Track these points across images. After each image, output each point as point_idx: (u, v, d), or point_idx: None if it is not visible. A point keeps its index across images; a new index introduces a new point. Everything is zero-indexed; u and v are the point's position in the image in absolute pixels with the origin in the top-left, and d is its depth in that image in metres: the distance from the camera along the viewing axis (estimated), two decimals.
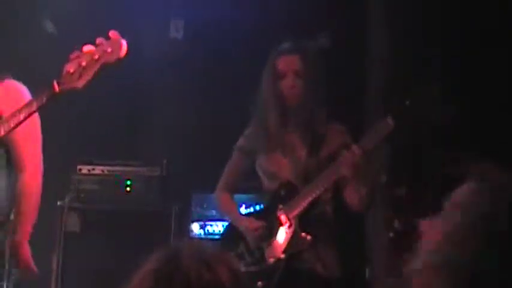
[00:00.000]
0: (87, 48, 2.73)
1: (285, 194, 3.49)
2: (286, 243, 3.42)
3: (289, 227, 3.42)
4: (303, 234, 3.42)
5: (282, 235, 3.44)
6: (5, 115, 2.81)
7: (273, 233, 3.46)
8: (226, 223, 4.71)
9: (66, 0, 4.89)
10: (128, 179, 4.66)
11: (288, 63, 3.49)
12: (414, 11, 4.40)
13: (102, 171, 4.64)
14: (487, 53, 4.18)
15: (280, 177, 3.52)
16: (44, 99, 2.73)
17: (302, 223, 3.43)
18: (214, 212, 4.72)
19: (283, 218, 3.45)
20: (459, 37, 4.23)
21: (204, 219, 4.76)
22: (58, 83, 2.73)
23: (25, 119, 2.76)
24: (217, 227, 4.73)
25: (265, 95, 3.52)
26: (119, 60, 2.72)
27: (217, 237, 4.62)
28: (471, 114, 4.03)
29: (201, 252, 1.38)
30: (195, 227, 4.76)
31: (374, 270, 4.37)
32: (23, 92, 2.98)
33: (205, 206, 4.78)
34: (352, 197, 3.42)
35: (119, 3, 4.90)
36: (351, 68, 4.71)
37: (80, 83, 2.74)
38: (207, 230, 4.77)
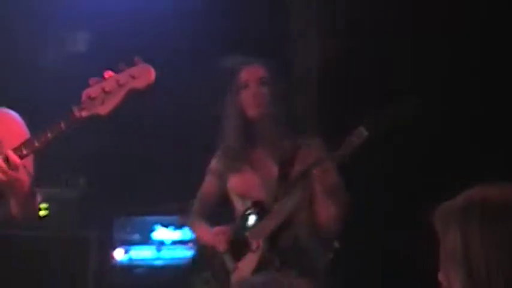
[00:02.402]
0: (109, 73, 2.63)
1: (254, 215, 3.36)
2: (253, 267, 3.29)
3: (257, 250, 3.30)
4: (271, 259, 3.29)
5: (249, 259, 3.31)
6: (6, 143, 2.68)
7: (240, 256, 3.34)
8: (152, 247, 4.51)
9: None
10: (42, 202, 4.26)
11: (251, 72, 3.41)
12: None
13: None
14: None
15: (251, 197, 3.40)
16: (63, 125, 2.59)
17: (271, 247, 3.30)
18: (138, 236, 4.60)
19: (250, 241, 3.32)
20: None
21: (127, 244, 4.61)
22: (78, 109, 2.60)
23: (41, 146, 2.61)
24: (143, 253, 4.61)
25: (226, 110, 3.44)
26: (149, 86, 2.63)
27: (142, 263, 4.53)
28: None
29: None
30: (119, 253, 4.59)
31: None
32: (17, 120, 2.83)
33: (128, 230, 4.68)
34: (322, 215, 3.30)
35: None
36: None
37: (104, 110, 2.62)
38: (131, 256, 4.61)
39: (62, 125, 2.61)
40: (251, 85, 3.37)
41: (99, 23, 4.77)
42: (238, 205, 3.44)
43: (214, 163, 3.50)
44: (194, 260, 3.58)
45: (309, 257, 3.38)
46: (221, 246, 3.33)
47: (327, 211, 3.28)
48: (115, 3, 4.72)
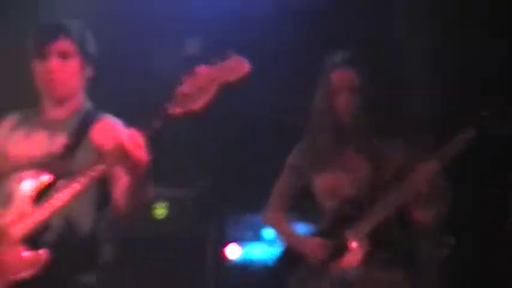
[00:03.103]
0: (202, 68, 2.58)
1: (349, 213, 3.34)
2: (353, 266, 3.26)
3: (358, 249, 3.28)
4: (371, 257, 3.26)
5: (351, 258, 3.28)
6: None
7: (338, 255, 3.30)
8: (264, 245, 4.55)
9: None
10: (160, 202, 4.53)
11: (343, 79, 3.38)
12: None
13: None
14: None
15: (340, 196, 3.37)
16: (158, 123, 2.55)
17: (371, 245, 3.28)
18: (251, 234, 4.66)
19: (351, 239, 3.30)
20: None
21: (241, 242, 4.68)
22: (172, 106, 2.55)
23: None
24: (256, 250, 4.66)
25: (318, 111, 3.43)
26: (242, 78, 2.58)
27: (255, 260, 4.59)
28: None
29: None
30: (232, 251, 4.66)
31: None
32: (119, 126, 2.82)
33: (242, 227, 4.73)
34: (424, 215, 3.27)
35: None
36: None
37: (198, 105, 2.56)
38: (246, 253, 4.68)
39: (155, 121, 2.56)
40: (343, 93, 3.36)
41: (206, 27, 4.84)
42: (326, 203, 3.41)
43: (294, 158, 3.49)
44: (282, 258, 3.57)
45: (413, 254, 3.38)
46: (319, 257, 3.32)
47: (427, 210, 3.25)
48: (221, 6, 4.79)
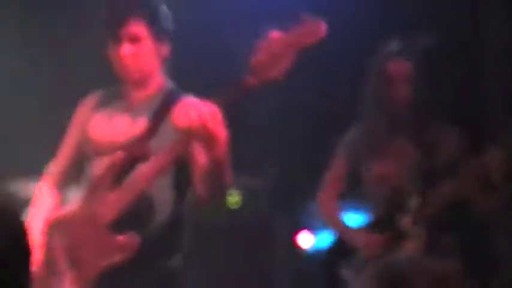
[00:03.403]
0: (276, 34, 2.46)
1: (403, 201, 3.35)
2: (415, 254, 3.29)
3: (417, 238, 3.28)
4: (432, 244, 3.29)
5: (409, 246, 3.30)
6: None
7: (396, 245, 3.32)
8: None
9: None
10: (233, 191, 4.51)
11: (398, 69, 3.39)
12: None
13: None
14: None
15: (394, 184, 3.38)
16: (234, 93, 2.49)
17: (432, 232, 3.30)
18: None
19: (410, 227, 3.32)
20: None
21: (313, 229, 4.62)
22: (249, 76, 2.47)
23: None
24: (329, 238, 4.56)
25: (373, 99, 3.44)
26: (319, 40, 2.45)
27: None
28: None
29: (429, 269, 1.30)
30: (305, 238, 4.63)
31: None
32: (201, 105, 2.70)
33: (316, 216, 4.63)
34: (484, 204, 3.27)
35: None
36: (464, 67, 4.44)
37: (274, 73, 2.45)
38: (319, 242, 4.61)
39: (234, 92, 2.49)
40: (398, 83, 3.36)
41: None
42: (379, 191, 3.42)
43: (346, 145, 3.49)
44: (334, 248, 3.58)
45: (474, 242, 3.39)
46: (374, 250, 3.33)
47: (487, 199, 3.25)
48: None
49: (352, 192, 3.63)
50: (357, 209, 4.11)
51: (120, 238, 2.60)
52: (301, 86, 4.86)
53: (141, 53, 2.71)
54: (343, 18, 4.71)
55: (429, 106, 3.37)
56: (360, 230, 3.48)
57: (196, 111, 2.41)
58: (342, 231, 3.53)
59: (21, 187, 3.97)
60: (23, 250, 1.29)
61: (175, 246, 2.79)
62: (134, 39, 2.69)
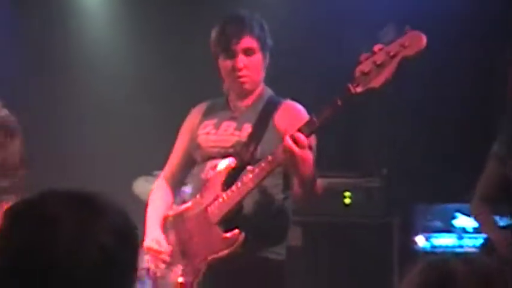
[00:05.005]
0: (379, 46, 2.62)
1: None
2: None
3: None
4: None
5: None
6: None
7: None
8: (453, 235, 4.49)
9: None
10: (347, 191, 4.58)
11: None
12: None
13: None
14: None
15: None
16: (340, 102, 2.65)
17: None
18: (439, 224, 4.56)
19: None
20: None
21: (429, 231, 4.58)
22: (353, 85, 2.64)
23: (322, 124, 2.68)
24: (444, 240, 4.56)
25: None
26: (420, 53, 2.58)
27: (442, 250, 4.48)
28: None
29: (479, 269, 1.26)
30: (420, 240, 4.60)
31: None
32: (300, 110, 2.97)
33: (429, 217, 4.62)
34: None
35: None
36: None
37: (377, 83, 2.62)
38: (433, 243, 4.59)
39: (339, 101, 2.64)
40: None
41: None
42: None
43: (497, 147, 3.42)
44: (481, 248, 3.55)
45: None
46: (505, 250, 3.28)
47: None
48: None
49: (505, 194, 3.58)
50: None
51: (227, 234, 2.79)
52: (415, 90, 4.86)
53: (254, 64, 2.94)
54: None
55: None
56: (498, 230, 3.44)
57: (297, 115, 2.82)
58: (489, 232, 3.50)
59: (139, 186, 4.22)
60: (131, 248, 1.34)
61: (281, 239, 2.95)
62: (248, 53, 2.91)
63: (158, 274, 2.94)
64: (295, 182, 2.80)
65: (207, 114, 3.06)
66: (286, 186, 2.93)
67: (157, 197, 3.10)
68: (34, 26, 5.24)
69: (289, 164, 2.67)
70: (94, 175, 4.50)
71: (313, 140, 2.78)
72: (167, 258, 2.91)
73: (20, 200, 1.35)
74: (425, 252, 4.54)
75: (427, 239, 4.57)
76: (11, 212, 1.32)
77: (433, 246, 4.57)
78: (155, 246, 2.91)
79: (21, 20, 5.26)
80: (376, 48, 2.62)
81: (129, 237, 1.35)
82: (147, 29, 5.30)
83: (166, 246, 2.92)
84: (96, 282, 1.28)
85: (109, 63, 5.31)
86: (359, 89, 2.62)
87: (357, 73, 2.62)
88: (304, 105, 2.96)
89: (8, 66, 4.95)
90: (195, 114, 3.10)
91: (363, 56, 2.63)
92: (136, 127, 5.08)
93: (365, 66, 2.61)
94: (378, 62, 2.59)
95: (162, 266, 2.93)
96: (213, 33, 2.98)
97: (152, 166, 3.89)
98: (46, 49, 5.25)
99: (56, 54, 5.25)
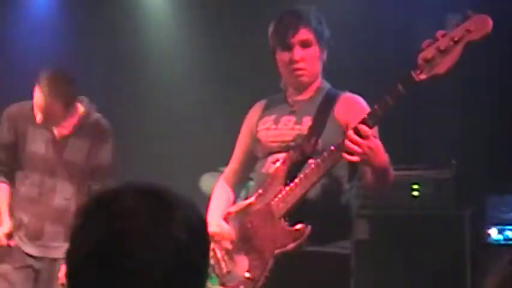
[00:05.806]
0: (441, 32, 2.57)
1: None
2: None
3: None
4: None
5: None
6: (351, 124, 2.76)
7: None
8: None
9: None
10: (415, 183, 4.52)
11: None
12: None
13: None
14: None
15: None
16: (402, 89, 2.60)
17: None
18: None
19: None
20: None
21: (502, 224, 4.49)
22: (416, 72, 2.59)
23: (383, 113, 2.64)
24: None
25: None
26: (485, 36, 2.52)
27: None
28: None
29: None
30: (493, 232, 4.52)
31: None
32: (360, 101, 2.96)
33: (503, 209, 4.51)
34: None
35: None
36: None
37: (442, 69, 2.57)
38: (506, 235, 4.50)
39: (401, 88, 2.59)
40: None
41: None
42: None
43: None
44: None
45: None
46: None
47: None
48: None
49: None
50: None
51: (293, 228, 2.78)
52: (485, 79, 4.75)
53: (311, 57, 2.92)
54: None
55: None
56: None
57: (357, 106, 2.84)
58: None
59: (206, 181, 4.25)
60: (203, 241, 1.35)
61: (347, 232, 2.94)
62: (305, 45, 2.90)
63: (224, 270, 2.95)
64: (367, 171, 2.77)
65: (265, 110, 3.07)
66: (351, 177, 2.92)
67: (218, 195, 3.13)
68: (106, 28, 5.50)
69: (359, 156, 2.61)
70: (163, 172, 4.56)
71: (375, 130, 2.75)
72: (229, 246, 2.92)
73: (95, 195, 1.36)
74: (498, 245, 4.46)
75: (501, 232, 4.49)
76: (87, 206, 1.34)
77: (507, 239, 4.48)
78: (218, 230, 2.93)
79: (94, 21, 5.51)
80: (438, 34, 2.56)
81: (201, 231, 1.35)
82: (212, 32, 5.43)
83: (230, 232, 2.93)
84: (169, 275, 1.28)
85: (178, 65, 5.55)
86: (422, 76, 2.57)
87: (420, 60, 2.57)
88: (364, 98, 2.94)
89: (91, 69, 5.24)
90: (254, 112, 3.12)
91: (425, 43, 2.58)
92: (204, 126, 5.24)
93: (428, 53, 2.56)
94: (442, 48, 2.54)
95: (226, 256, 2.94)
96: (271, 27, 2.98)
97: (218, 162, 3.92)
98: (121, 55, 5.51)
99: (127, 60, 5.51)
